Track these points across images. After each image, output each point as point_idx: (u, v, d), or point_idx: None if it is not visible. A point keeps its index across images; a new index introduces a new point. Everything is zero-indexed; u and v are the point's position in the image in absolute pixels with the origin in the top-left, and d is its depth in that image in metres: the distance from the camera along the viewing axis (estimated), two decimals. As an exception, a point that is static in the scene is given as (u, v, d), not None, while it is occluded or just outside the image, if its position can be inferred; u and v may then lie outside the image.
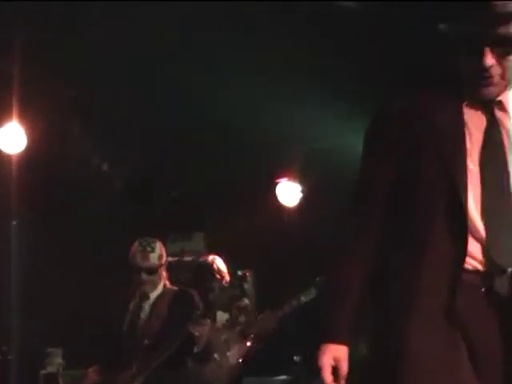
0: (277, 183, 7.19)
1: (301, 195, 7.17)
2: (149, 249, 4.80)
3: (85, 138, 6.59)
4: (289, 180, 7.17)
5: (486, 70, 2.20)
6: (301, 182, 7.14)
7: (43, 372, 5.69)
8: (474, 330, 2.21)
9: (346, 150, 5.61)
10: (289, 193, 7.19)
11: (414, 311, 2.23)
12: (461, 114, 2.28)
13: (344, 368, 2.36)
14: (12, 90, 5.78)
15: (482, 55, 2.18)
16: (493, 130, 2.28)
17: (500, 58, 2.20)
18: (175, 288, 4.97)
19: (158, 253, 4.82)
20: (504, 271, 2.20)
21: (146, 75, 5.82)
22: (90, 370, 4.85)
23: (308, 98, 5.87)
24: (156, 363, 4.66)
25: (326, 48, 5.52)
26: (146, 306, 4.85)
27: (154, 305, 4.85)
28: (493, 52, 2.18)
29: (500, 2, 2.15)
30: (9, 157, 6.17)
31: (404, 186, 2.32)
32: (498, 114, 2.29)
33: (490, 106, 2.28)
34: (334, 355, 2.36)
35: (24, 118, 6.09)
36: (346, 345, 2.37)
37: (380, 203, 2.36)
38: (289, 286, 5.78)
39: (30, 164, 6.22)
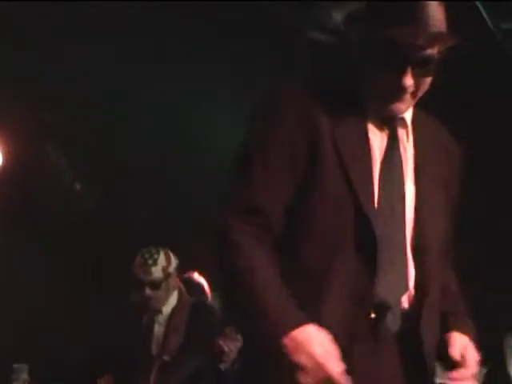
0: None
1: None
2: (150, 261, 4.39)
3: (58, 157, 6.66)
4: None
5: (405, 88, 2.07)
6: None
7: (9, 387, 5.70)
8: (370, 369, 2.03)
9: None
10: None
11: None
12: (366, 132, 2.13)
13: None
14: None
15: (402, 74, 2.05)
16: (393, 150, 2.15)
17: (417, 78, 2.06)
18: (191, 299, 4.60)
19: (162, 264, 4.40)
20: (396, 306, 2.08)
21: (120, 99, 5.92)
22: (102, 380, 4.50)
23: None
24: (178, 380, 4.30)
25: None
26: (161, 320, 4.47)
27: (170, 318, 4.45)
28: (412, 71, 2.05)
29: (428, 23, 2.02)
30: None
31: (302, 201, 2.07)
32: (399, 131, 2.17)
33: (392, 123, 2.16)
34: (324, 335, 1.93)
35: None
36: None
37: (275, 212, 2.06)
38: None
39: (5, 183, 6.29)
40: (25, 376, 5.61)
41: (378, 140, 2.14)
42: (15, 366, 5.64)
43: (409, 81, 2.05)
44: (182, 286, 4.63)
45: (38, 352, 5.98)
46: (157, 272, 4.39)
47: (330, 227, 2.05)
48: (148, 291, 4.39)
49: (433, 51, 2.05)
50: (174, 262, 4.52)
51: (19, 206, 6.54)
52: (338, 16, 5.48)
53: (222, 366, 4.37)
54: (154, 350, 4.45)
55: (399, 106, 2.11)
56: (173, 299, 4.51)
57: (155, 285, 4.40)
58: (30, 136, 6.39)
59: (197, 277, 5.40)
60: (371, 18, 2.07)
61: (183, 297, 4.55)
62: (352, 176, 2.06)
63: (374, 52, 2.07)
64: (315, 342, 1.90)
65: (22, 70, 5.80)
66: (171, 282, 4.48)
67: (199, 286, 5.34)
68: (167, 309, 4.49)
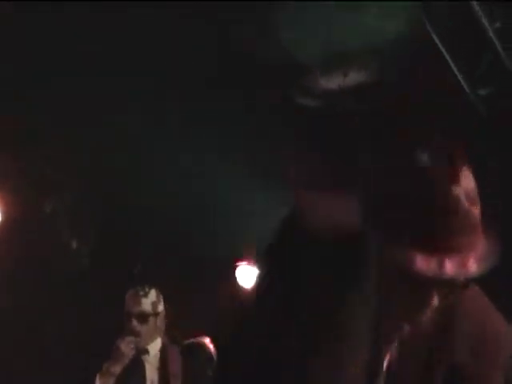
0: (236, 266, 7.49)
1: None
2: (141, 293, 4.40)
3: (56, 217, 6.82)
4: (248, 264, 7.48)
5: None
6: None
7: None
8: None
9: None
10: (247, 276, 7.49)
11: None
12: None
13: None
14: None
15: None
16: None
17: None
18: (179, 343, 4.55)
19: (152, 299, 4.40)
20: None
21: (115, 154, 6.11)
22: None
23: (270, 184, 6.07)
24: None
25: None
26: (152, 361, 4.43)
27: (163, 362, 4.38)
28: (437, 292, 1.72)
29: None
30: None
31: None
32: None
33: None
34: None
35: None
36: None
37: None
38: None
39: (5, 241, 6.45)
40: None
41: None
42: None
43: (435, 300, 1.73)
44: (165, 336, 4.56)
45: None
46: (146, 304, 4.37)
47: None
48: (135, 322, 4.35)
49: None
50: (162, 306, 4.48)
51: (17, 263, 6.66)
52: (324, 81, 5.75)
53: None
54: None
55: None
56: (158, 342, 4.46)
57: (144, 317, 4.36)
58: (29, 197, 6.58)
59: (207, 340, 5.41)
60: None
61: (166, 342, 4.49)
62: None
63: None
64: None
65: (24, 132, 6.04)
66: (158, 323, 4.44)
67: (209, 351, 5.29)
68: (154, 350, 4.42)
